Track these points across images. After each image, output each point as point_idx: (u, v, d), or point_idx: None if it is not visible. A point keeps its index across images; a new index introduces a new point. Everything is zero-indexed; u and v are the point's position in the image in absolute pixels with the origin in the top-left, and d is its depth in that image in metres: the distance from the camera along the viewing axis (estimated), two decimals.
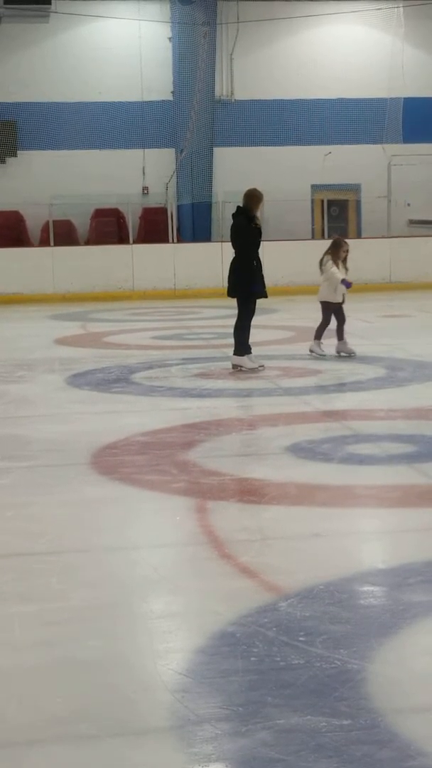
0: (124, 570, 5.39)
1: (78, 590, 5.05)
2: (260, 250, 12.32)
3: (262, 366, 12.08)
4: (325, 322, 12.99)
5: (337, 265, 12.81)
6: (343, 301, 13.03)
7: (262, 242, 12.41)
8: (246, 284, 12.11)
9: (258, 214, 12.22)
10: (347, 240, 13.26)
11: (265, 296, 12.37)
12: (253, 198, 12.19)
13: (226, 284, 12.40)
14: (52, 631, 4.56)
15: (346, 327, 13.07)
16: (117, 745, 3.53)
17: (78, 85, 27.56)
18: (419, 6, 28.12)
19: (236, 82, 28.51)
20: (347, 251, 13.00)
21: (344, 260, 12.97)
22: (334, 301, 12.89)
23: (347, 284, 12.78)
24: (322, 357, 12.77)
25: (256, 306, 12.41)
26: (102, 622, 4.66)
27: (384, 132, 28.40)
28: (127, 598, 4.97)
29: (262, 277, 12.15)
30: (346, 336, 13.06)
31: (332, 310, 12.92)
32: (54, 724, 3.68)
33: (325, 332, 13.02)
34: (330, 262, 12.85)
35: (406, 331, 16.50)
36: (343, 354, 12.89)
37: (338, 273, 12.70)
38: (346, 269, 12.94)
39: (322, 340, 12.93)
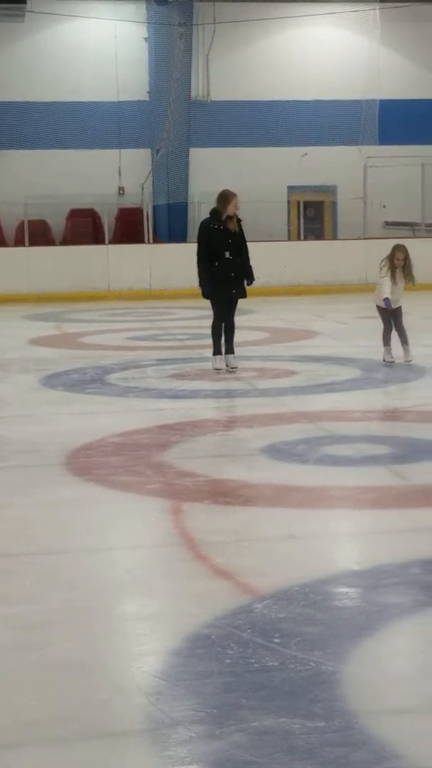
0: (99, 572, 5.37)
1: (53, 592, 5.03)
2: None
3: (220, 370, 12.07)
4: (385, 327, 12.39)
5: (393, 273, 12.12)
6: (396, 308, 12.33)
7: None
8: (201, 285, 12.15)
9: (233, 214, 12.12)
10: (400, 247, 12.46)
11: (229, 296, 12.18)
12: (221, 198, 12.18)
13: None
14: (27, 633, 4.54)
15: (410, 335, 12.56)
16: (92, 748, 3.51)
17: (54, 85, 27.51)
18: (395, 8, 28.21)
19: (212, 83, 28.52)
20: (402, 259, 12.13)
21: (404, 268, 12.17)
22: (383, 307, 12.26)
23: (387, 304, 12.10)
24: (389, 364, 12.19)
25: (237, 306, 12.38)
26: (77, 624, 4.64)
27: (360, 134, 28.48)
28: (103, 600, 4.95)
29: (227, 277, 12.08)
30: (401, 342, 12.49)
31: (386, 315, 12.32)
32: (29, 727, 3.65)
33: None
34: (385, 269, 12.18)
35: (381, 333, 16.48)
36: (405, 361, 12.25)
37: (386, 288, 12.11)
38: (407, 277, 12.20)
39: (390, 346, 12.32)
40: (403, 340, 12.38)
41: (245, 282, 12.20)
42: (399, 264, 12.13)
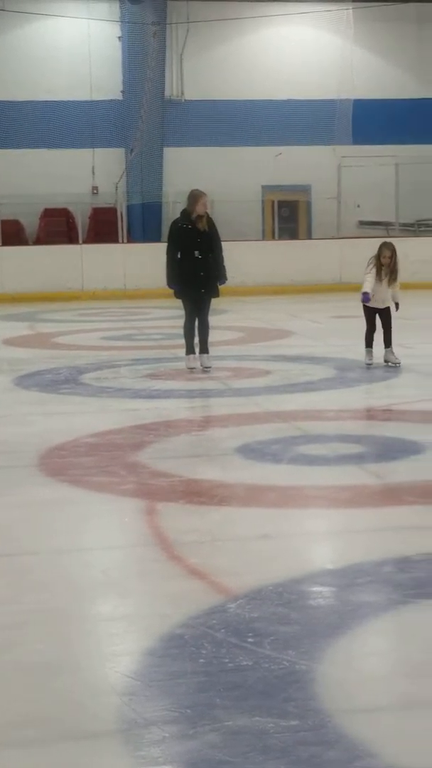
0: (73, 572, 5.36)
1: (26, 593, 5.02)
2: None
3: (193, 369, 12.10)
4: (368, 328, 12.15)
5: (379, 271, 11.80)
6: (383, 308, 12.04)
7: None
8: (168, 284, 12.22)
9: (203, 213, 12.10)
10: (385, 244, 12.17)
11: (199, 295, 12.14)
12: (190, 198, 12.19)
13: None
14: (1, 634, 4.52)
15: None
16: (64, 749, 3.51)
17: (27, 84, 27.43)
18: (369, 8, 28.28)
19: (186, 82, 28.51)
20: (389, 257, 11.82)
21: (390, 266, 11.85)
22: (371, 306, 12.04)
23: (364, 298, 11.86)
24: (369, 367, 12.00)
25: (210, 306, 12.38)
26: (50, 625, 4.63)
27: (334, 133, 28.52)
28: (76, 600, 4.94)
29: (196, 277, 12.07)
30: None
31: (369, 315, 12.09)
32: (2, 729, 3.64)
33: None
34: (371, 266, 11.90)
35: (356, 333, 16.48)
36: (389, 364, 12.01)
37: (367, 283, 11.84)
38: (391, 277, 11.86)
39: (372, 348, 12.11)
40: (387, 342, 12.05)
41: (218, 281, 12.19)
42: (385, 261, 11.86)
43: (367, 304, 12.03)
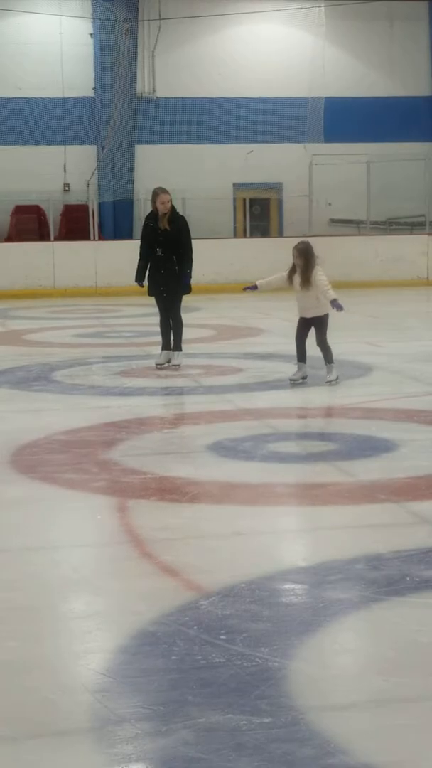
0: (43, 570, 5.34)
1: None
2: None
3: (161, 365, 12.12)
4: (296, 338, 11.06)
5: (291, 275, 10.95)
6: (311, 317, 11.01)
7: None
8: (135, 279, 12.29)
9: (166, 211, 12.09)
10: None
11: (160, 293, 12.16)
12: (151, 196, 12.27)
13: None
14: None
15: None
16: (36, 746, 3.49)
17: None
18: (340, 6, 28.33)
19: (158, 80, 28.50)
20: (296, 257, 10.89)
21: (302, 268, 10.84)
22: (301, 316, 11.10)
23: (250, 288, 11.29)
24: (291, 383, 10.89)
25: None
26: (21, 623, 4.61)
27: (305, 131, 28.58)
28: (47, 598, 4.93)
29: (157, 274, 12.10)
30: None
31: (301, 326, 11.07)
32: None
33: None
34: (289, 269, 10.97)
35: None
36: (324, 382, 10.88)
37: (263, 279, 11.42)
38: (303, 279, 10.81)
39: (304, 362, 11.01)
40: (326, 357, 10.90)
41: (181, 281, 12.14)
42: (298, 263, 10.81)
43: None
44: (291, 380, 10.92)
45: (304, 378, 10.91)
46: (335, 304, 10.65)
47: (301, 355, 10.95)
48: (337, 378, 10.86)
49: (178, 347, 12.24)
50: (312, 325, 10.94)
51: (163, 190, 12.16)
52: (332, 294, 10.69)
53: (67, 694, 3.86)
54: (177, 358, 12.20)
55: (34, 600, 4.89)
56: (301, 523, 6.32)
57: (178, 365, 12.10)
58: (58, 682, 3.97)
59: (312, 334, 10.96)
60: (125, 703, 3.73)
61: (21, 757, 3.42)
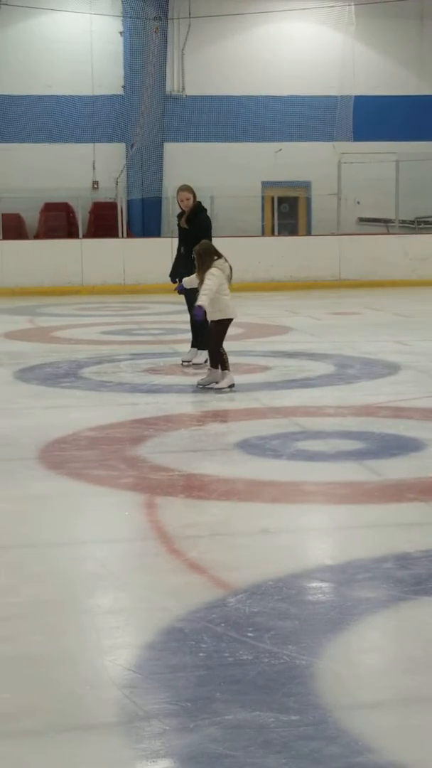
0: (71, 565, 5.36)
1: (25, 586, 5.01)
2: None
3: (184, 363, 12.14)
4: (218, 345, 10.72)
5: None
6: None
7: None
8: None
9: (183, 208, 12.21)
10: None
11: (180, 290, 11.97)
12: None
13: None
14: None
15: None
16: (63, 741, 3.50)
17: (28, 79, 27.44)
18: (370, 5, 28.27)
19: (187, 78, 28.51)
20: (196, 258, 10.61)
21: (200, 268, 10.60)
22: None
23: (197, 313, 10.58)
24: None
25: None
26: (49, 617, 4.62)
27: (334, 130, 28.55)
28: (75, 593, 4.94)
29: (177, 272, 12.18)
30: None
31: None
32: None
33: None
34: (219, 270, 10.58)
35: (355, 329, 16.56)
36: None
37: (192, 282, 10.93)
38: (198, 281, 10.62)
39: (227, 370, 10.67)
40: (211, 362, 10.72)
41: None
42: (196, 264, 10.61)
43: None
44: (198, 384, 10.71)
45: (214, 383, 10.57)
46: (196, 311, 10.46)
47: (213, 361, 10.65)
48: (231, 386, 10.48)
49: (201, 346, 12.19)
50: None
51: (183, 188, 12.19)
52: (202, 299, 10.37)
53: (94, 689, 3.86)
54: (198, 356, 12.16)
55: (61, 595, 4.90)
56: (329, 521, 6.31)
57: (199, 363, 12.06)
58: (85, 677, 3.98)
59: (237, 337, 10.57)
60: (153, 699, 3.74)
61: (48, 752, 3.43)
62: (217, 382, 10.53)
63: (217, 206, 23.37)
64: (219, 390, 10.44)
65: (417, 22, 29.50)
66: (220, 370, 10.54)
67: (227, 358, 10.60)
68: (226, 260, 10.64)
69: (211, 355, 10.70)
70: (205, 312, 10.37)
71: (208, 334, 10.80)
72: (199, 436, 8.68)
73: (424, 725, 3.58)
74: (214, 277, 10.44)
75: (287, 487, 6.86)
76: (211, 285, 10.40)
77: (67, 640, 4.35)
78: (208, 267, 10.47)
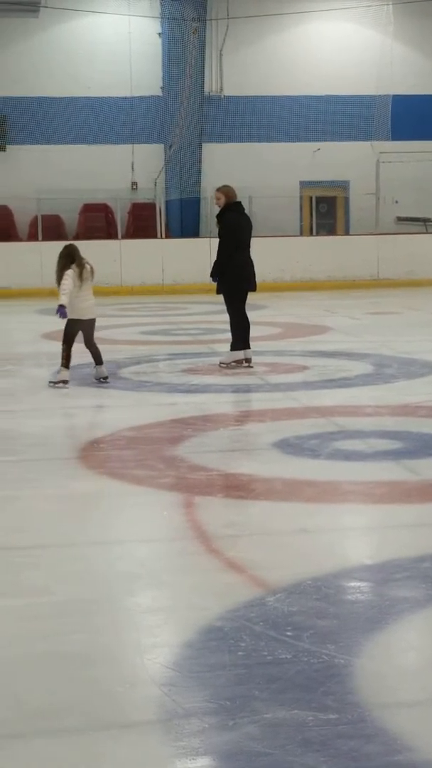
0: (110, 564, 5.39)
1: (64, 585, 5.05)
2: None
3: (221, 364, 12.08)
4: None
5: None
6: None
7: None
8: None
9: (218, 207, 12.26)
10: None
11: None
12: None
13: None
14: (38, 625, 4.56)
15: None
16: (103, 738, 3.53)
17: (67, 80, 27.52)
18: (408, 4, 28.15)
19: (225, 78, 28.50)
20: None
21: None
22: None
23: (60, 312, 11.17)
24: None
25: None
26: (88, 616, 4.65)
27: (372, 129, 28.45)
28: (114, 592, 4.97)
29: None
30: None
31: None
32: (39, 718, 3.67)
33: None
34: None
35: (393, 329, 16.52)
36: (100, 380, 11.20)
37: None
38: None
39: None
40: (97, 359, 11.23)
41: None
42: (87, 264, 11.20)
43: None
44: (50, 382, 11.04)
45: (65, 382, 10.93)
46: (58, 309, 11.08)
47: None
48: (55, 383, 10.94)
49: (232, 346, 12.15)
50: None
51: (217, 188, 12.25)
52: (61, 299, 11.05)
53: (134, 687, 3.89)
54: (226, 356, 12.16)
55: (101, 594, 4.93)
56: (367, 521, 6.31)
57: (223, 364, 12.01)
58: (125, 675, 4.00)
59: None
60: (192, 698, 3.76)
61: (89, 749, 3.46)
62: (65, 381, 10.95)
63: (255, 206, 23.36)
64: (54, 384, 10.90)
65: None
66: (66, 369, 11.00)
67: (66, 356, 11.05)
68: (86, 263, 11.27)
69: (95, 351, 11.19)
70: (64, 309, 11.04)
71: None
72: (237, 435, 8.70)
73: None
74: (68, 278, 11.06)
75: (325, 486, 6.87)
76: (67, 285, 11.05)
77: (107, 638, 4.38)
78: (64, 268, 11.14)
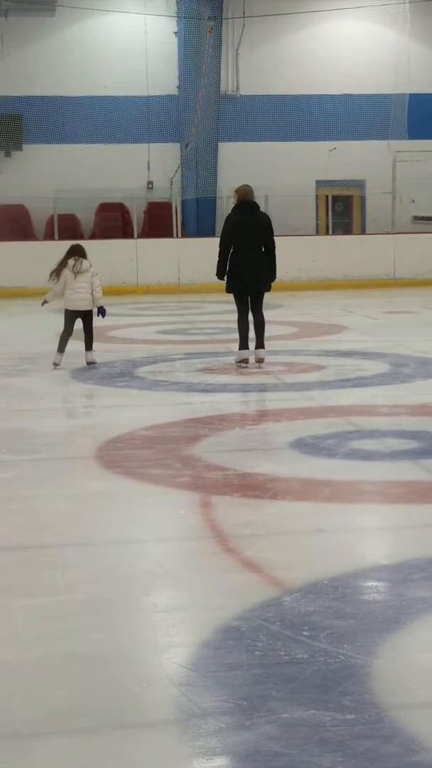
0: (127, 564, 5.40)
1: (81, 584, 5.05)
2: None
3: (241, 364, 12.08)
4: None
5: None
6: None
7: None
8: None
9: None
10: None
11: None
12: None
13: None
14: (56, 624, 4.57)
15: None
16: (121, 738, 3.54)
17: (83, 80, 27.56)
18: (425, 2, 28.09)
19: (241, 77, 28.49)
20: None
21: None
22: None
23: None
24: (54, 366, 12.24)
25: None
26: (105, 615, 4.66)
27: (389, 128, 28.40)
28: (131, 592, 4.97)
29: None
30: None
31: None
32: (57, 718, 3.68)
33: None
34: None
35: (409, 328, 16.50)
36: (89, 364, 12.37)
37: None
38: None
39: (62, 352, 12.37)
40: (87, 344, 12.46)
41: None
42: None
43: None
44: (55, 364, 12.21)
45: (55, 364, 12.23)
46: (99, 311, 12.66)
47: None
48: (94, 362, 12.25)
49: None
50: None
51: (237, 188, 12.31)
52: (47, 295, 12.86)
53: (151, 686, 3.90)
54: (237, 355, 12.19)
55: (118, 593, 4.94)
56: (384, 521, 6.30)
57: (243, 364, 12.02)
58: (142, 674, 4.01)
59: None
60: (209, 697, 3.76)
61: (106, 748, 3.47)
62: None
63: (271, 205, 23.35)
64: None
65: None
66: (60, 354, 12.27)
67: (61, 343, 12.33)
68: (81, 259, 12.64)
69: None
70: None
71: None
72: (253, 435, 8.70)
73: None
74: (62, 277, 12.54)
75: (342, 486, 6.86)
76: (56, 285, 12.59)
77: (124, 638, 4.39)
78: (63, 265, 12.60)
